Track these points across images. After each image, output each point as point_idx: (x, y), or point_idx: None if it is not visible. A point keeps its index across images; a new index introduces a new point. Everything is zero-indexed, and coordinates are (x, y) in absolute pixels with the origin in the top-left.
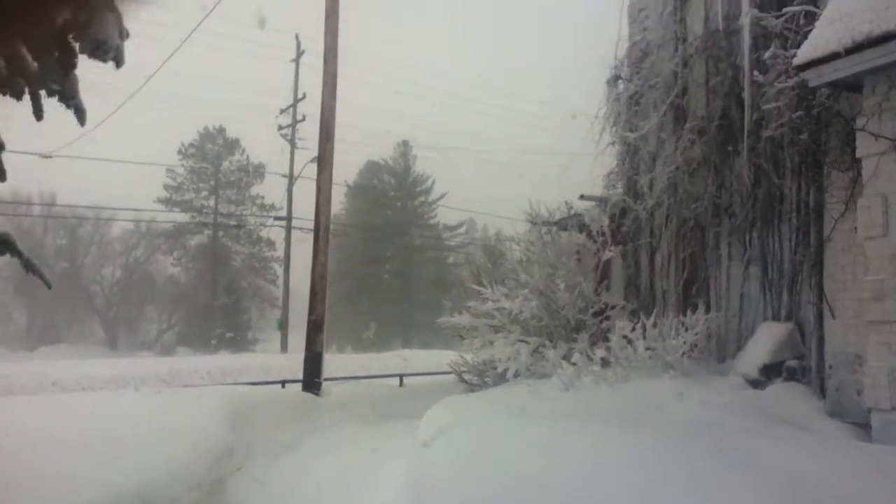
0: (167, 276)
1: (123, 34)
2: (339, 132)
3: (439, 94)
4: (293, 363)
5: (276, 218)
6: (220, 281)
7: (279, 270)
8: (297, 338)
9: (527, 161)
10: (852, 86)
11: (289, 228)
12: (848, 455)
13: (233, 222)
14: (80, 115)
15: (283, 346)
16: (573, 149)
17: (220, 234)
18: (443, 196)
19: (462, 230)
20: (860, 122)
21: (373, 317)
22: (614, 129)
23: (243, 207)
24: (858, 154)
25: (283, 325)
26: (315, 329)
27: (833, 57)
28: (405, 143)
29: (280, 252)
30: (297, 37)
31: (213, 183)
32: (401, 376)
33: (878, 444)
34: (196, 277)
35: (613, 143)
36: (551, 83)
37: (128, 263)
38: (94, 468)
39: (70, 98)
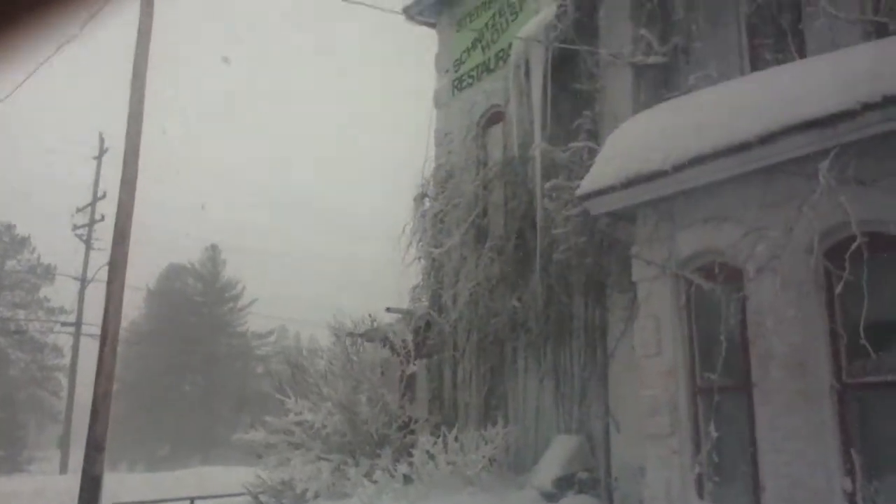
0: None
1: None
2: (142, 234)
3: (255, 197)
4: (72, 485)
5: (64, 323)
6: None
7: (64, 381)
8: (81, 456)
9: (341, 269)
10: (627, 216)
11: (77, 334)
12: None
13: (13, 327)
14: None
15: (63, 467)
16: (384, 260)
17: None
18: (253, 302)
19: (272, 338)
20: (634, 249)
21: (170, 431)
22: (420, 244)
23: (28, 311)
24: (634, 278)
25: (63, 443)
26: (94, 449)
27: (609, 190)
28: (214, 247)
29: (67, 360)
30: (101, 134)
31: None
32: (192, 499)
33: None
34: None
35: (419, 258)
36: (367, 193)
37: None
38: None
39: None
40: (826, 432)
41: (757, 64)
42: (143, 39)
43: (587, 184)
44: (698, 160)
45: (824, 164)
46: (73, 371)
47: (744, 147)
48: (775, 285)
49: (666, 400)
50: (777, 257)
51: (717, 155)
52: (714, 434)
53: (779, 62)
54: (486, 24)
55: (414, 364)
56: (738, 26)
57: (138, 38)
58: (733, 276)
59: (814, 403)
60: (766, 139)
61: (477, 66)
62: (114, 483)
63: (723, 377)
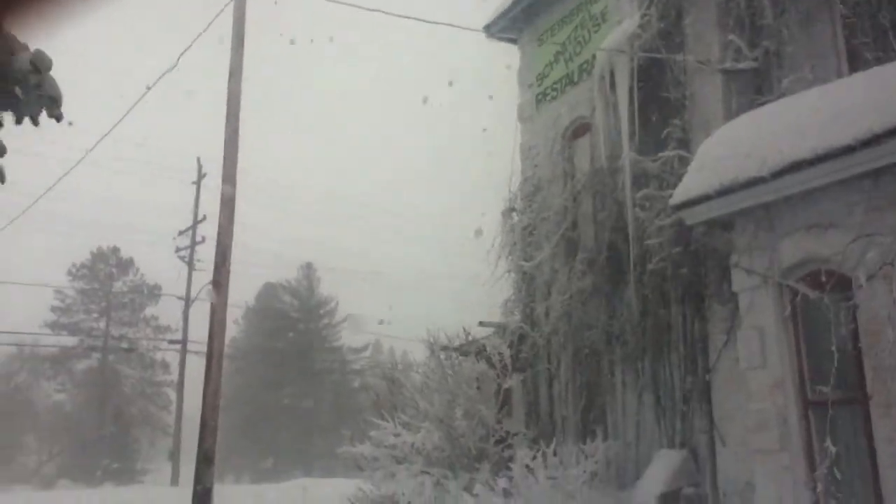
0: (51, 403)
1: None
2: (241, 254)
3: (344, 216)
4: (183, 497)
5: (171, 341)
6: (108, 408)
7: (173, 395)
8: (191, 468)
9: (433, 284)
10: (725, 224)
11: (184, 352)
12: None
13: (124, 345)
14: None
15: (174, 479)
16: (475, 273)
17: (111, 357)
18: (347, 318)
19: (367, 353)
20: (734, 258)
21: (272, 444)
22: (510, 258)
23: (136, 329)
24: (734, 289)
25: (174, 455)
26: (205, 463)
27: (705, 199)
28: (309, 265)
29: (174, 376)
30: (198, 160)
31: (104, 304)
32: None
33: None
34: (83, 404)
35: (510, 272)
36: (457, 208)
37: (8, 390)
38: None
39: None
40: None
41: (856, 65)
42: (235, 75)
43: (681, 193)
44: (798, 165)
45: None
46: (181, 387)
47: (846, 150)
48: (890, 293)
49: (775, 414)
50: (889, 264)
51: (817, 160)
52: (832, 449)
53: (880, 61)
54: (568, 38)
55: (511, 378)
56: (834, 27)
57: (230, 73)
58: (841, 285)
59: None
60: (870, 142)
61: (560, 79)
62: (223, 495)
63: (835, 390)
